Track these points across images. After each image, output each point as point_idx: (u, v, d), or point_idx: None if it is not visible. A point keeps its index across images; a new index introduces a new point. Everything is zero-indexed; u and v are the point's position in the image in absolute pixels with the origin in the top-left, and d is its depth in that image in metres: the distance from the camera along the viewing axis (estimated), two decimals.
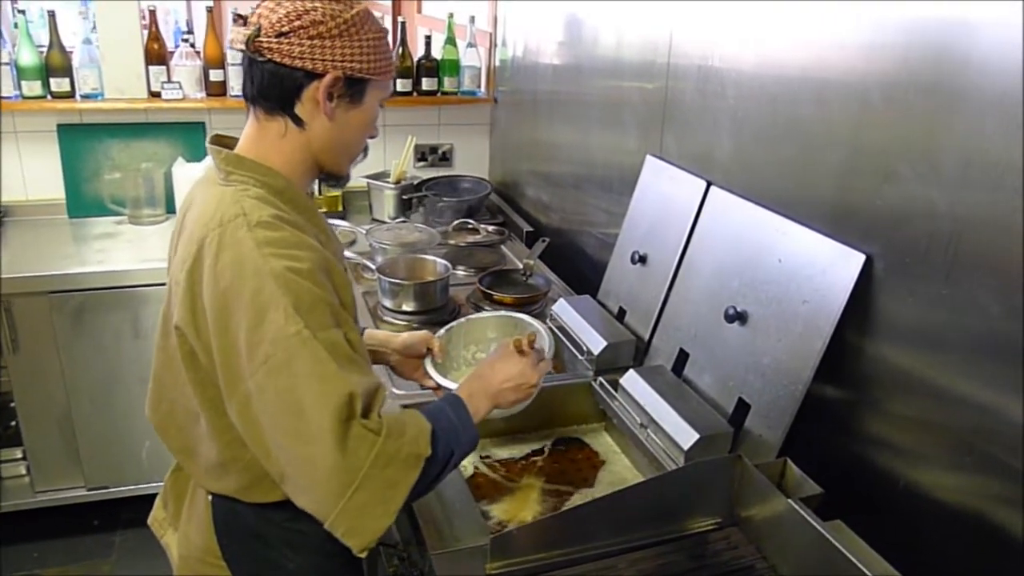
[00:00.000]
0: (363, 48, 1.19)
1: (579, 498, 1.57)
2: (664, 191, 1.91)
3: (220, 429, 1.21)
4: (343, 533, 1.09)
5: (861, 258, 1.31)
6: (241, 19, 1.20)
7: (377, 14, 1.26)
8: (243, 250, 1.10)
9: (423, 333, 1.58)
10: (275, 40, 1.15)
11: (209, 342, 1.14)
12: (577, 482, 1.63)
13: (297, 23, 1.15)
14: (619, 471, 1.68)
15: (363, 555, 1.11)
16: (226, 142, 1.27)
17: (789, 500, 1.25)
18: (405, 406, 1.68)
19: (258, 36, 1.15)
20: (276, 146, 1.23)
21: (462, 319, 1.67)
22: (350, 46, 1.17)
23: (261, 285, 1.08)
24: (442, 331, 1.61)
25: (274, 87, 1.19)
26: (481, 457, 1.68)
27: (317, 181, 1.35)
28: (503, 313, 1.80)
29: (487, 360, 1.39)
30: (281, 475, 1.13)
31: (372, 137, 1.32)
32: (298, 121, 1.21)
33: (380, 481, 1.08)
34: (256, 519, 1.29)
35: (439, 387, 1.52)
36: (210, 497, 1.31)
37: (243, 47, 1.16)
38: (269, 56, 1.16)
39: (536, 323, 1.60)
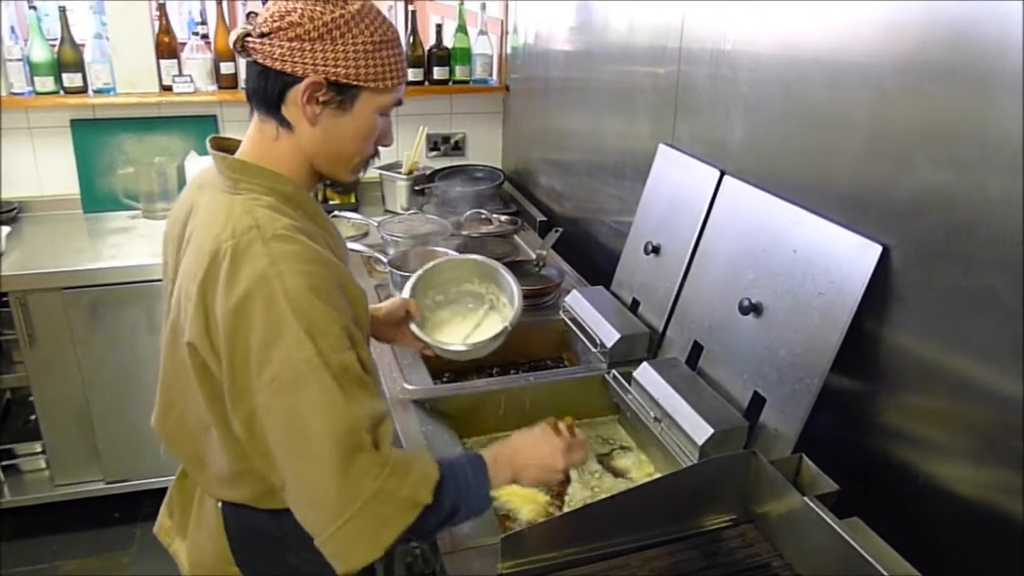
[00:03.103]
0: (348, 53, 1.14)
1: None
2: (677, 180, 1.88)
3: (231, 442, 1.19)
4: (329, 555, 1.09)
5: (878, 249, 1.28)
6: (253, 16, 1.18)
7: (387, 3, 1.23)
8: (257, 265, 1.07)
9: (399, 298, 1.58)
10: (258, 40, 1.14)
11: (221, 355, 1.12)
12: None
13: (277, 24, 1.13)
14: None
15: None
16: (226, 145, 1.26)
17: (804, 497, 1.22)
18: (416, 401, 1.68)
19: (248, 35, 1.14)
20: (272, 148, 1.21)
21: (419, 271, 1.67)
22: (332, 50, 1.13)
23: (274, 303, 1.06)
24: (406, 290, 1.62)
25: (261, 88, 1.17)
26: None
27: (321, 186, 1.33)
28: (460, 256, 1.79)
29: (525, 432, 1.35)
30: (283, 484, 1.12)
31: (385, 145, 1.28)
32: (285, 124, 1.19)
33: (374, 516, 1.07)
34: (271, 524, 1.28)
35: (427, 345, 1.55)
36: (219, 504, 1.31)
37: (232, 45, 1.16)
38: (254, 56, 1.15)
39: (500, 268, 1.65)
